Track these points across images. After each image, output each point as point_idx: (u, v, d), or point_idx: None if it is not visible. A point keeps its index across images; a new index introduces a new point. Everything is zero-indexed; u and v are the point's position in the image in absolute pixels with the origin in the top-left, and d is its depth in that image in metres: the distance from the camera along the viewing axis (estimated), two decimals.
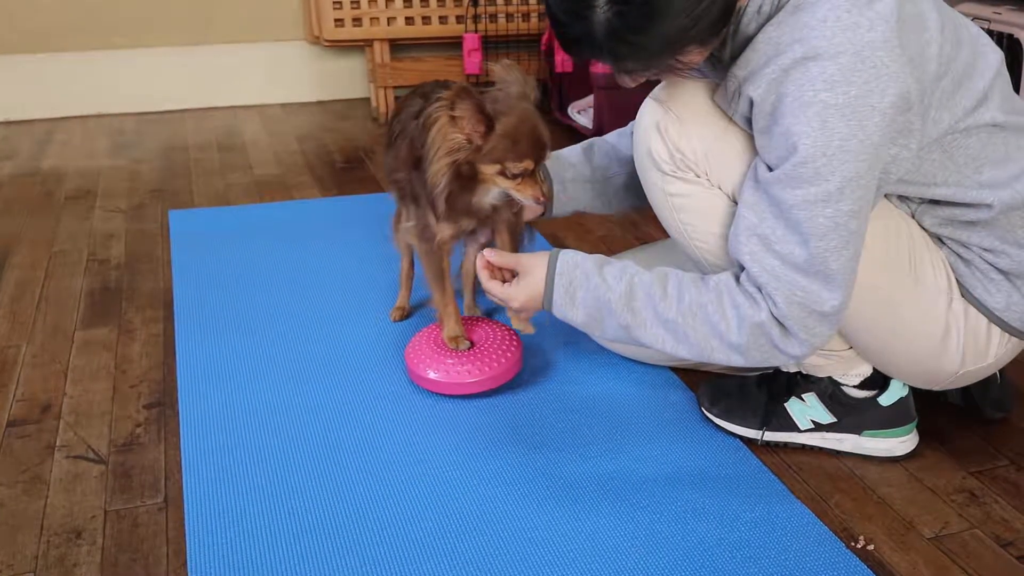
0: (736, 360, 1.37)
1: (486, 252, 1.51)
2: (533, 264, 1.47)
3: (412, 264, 1.99)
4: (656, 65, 1.31)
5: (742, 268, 1.35)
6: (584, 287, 1.42)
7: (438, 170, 1.54)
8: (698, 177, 1.43)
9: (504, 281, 1.52)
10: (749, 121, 1.36)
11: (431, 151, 1.54)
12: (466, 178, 1.55)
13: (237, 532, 1.39)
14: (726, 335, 1.35)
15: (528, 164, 1.53)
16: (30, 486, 1.51)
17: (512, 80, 1.57)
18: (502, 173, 1.53)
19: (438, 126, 1.52)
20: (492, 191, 1.58)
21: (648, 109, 1.48)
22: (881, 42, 1.22)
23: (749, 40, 1.33)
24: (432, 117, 1.52)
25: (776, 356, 1.36)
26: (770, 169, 1.30)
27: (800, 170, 1.25)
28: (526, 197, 1.55)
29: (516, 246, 1.74)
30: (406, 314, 2.02)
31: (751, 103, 1.32)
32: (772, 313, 1.31)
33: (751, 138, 1.38)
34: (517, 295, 1.48)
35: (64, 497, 1.48)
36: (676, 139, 1.42)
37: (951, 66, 1.31)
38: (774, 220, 1.30)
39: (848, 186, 1.25)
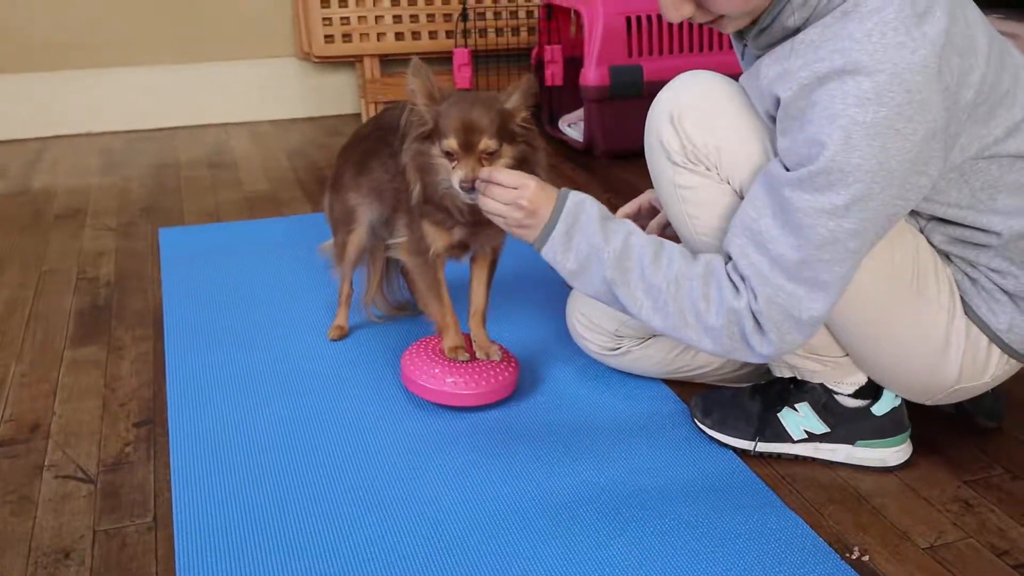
0: (706, 344, 1.37)
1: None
2: (543, 195, 1.44)
3: (351, 286, 2.02)
4: None
5: (729, 257, 1.36)
6: (583, 232, 1.41)
7: (406, 151, 1.58)
8: (708, 170, 1.43)
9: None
10: (771, 117, 1.36)
11: (404, 134, 1.59)
12: (428, 165, 1.57)
13: (227, 551, 1.38)
14: (704, 315, 1.35)
15: (451, 143, 1.49)
16: (18, 506, 1.50)
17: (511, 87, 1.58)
18: (441, 152, 1.53)
19: (406, 106, 1.57)
20: (461, 187, 1.52)
21: (665, 96, 1.47)
22: (921, 66, 1.20)
23: (787, 34, 1.32)
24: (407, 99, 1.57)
25: (743, 350, 1.36)
26: (787, 169, 1.29)
27: (816, 178, 1.24)
28: (453, 175, 1.50)
29: (490, 277, 1.78)
30: (344, 333, 2.03)
31: (777, 101, 1.32)
32: (750, 306, 1.32)
33: (767, 135, 1.38)
34: (526, 199, 1.43)
35: (52, 517, 1.47)
36: (690, 131, 1.42)
37: (991, 94, 1.30)
38: (772, 219, 1.29)
39: (856, 205, 1.24)
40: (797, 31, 1.32)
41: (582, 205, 1.43)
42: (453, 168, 1.51)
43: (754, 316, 1.32)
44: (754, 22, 1.36)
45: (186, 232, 2.68)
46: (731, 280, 1.34)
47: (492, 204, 1.47)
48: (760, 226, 1.31)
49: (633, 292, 1.39)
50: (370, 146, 1.83)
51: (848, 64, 1.22)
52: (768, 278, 1.30)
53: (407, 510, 1.46)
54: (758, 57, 1.39)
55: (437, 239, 1.66)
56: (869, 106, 1.21)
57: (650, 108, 1.49)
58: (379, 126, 1.85)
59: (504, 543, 1.39)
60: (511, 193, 1.45)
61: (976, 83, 1.27)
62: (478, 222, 1.61)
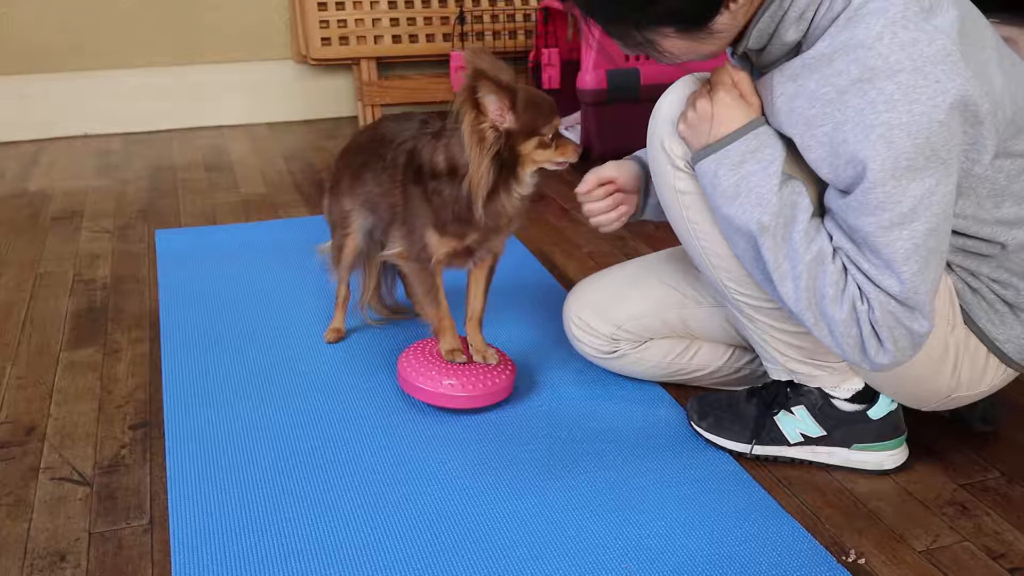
0: (821, 333, 1.32)
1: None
2: (735, 105, 1.36)
3: (348, 289, 2.02)
4: (626, 32, 1.31)
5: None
6: (762, 162, 1.32)
7: (482, 168, 1.55)
8: None
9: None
10: (786, 134, 1.34)
11: (469, 153, 1.54)
12: (509, 170, 1.58)
13: (223, 553, 1.38)
14: (831, 302, 1.29)
15: (557, 121, 1.58)
16: (13, 509, 1.49)
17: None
18: (541, 145, 1.57)
19: (467, 123, 1.52)
20: (530, 178, 1.62)
21: (668, 100, 1.46)
22: (943, 56, 1.18)
23: (789, 49, 1.32)
24: (459, 114, 1.52)
25: (857, 351, 1.31)
26: (843, 193, 1.28)
27: (870, 196, 1.22)
28: (569, 156, 1.61)
29: (488, 281, 1.79)
30: (341, 336, 2.03)
31: (798, 120, 1.30)
32: (868, 317, 1.29)
33: (773, 144, 1.35)
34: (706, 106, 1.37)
35: (48, 520, 1.47)
36: None
37: (1018, 89, 1.29)
38: (858, 252, 1.28)
39: (921, 204, 1.22)
40: (799, 45, 1.31)
41: (777, 139, 1.34)
42: (557, 150, 1.59)
43: (873, 327, 1.29)
44: (740, 37, 1.34)
45: (182, 234, 2.68)
46: (858, 285, 1.30)
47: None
48: (859, 261, 1.28)
49: (779, 248, 1.31)
50: (366, 158, 1.82)
51: (865, 72, 1.20)
52: (875, 295, 1.28)
53: (403, 512, 1.46)
54: (763, 74, 1.38)
55: (440, 247, 1.66)
56: (900, 105, 1.18)
57: (653, 112, 1.49)
58: (375, 137, 1.83)
59: (500, 546, 1.39)
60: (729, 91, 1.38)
61: (996, 66, 1.26)
62: (498, 226, 1.64)
